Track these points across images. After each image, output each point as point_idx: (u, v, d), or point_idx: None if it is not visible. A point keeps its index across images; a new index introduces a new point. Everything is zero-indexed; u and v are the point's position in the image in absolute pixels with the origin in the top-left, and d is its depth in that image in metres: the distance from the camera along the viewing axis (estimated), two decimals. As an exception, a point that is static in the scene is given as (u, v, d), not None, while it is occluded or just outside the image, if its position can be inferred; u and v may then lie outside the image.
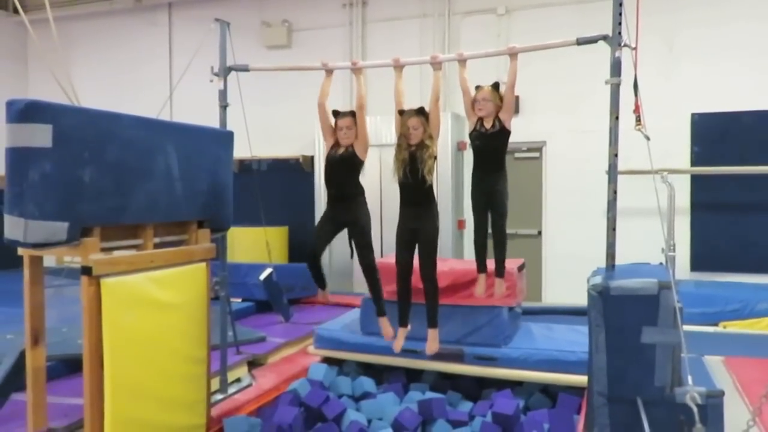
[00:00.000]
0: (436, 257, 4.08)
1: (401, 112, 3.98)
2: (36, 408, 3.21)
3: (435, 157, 3.99)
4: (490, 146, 3.95)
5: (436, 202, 4.06)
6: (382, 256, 6.83)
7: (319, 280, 4.26)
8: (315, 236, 4.17)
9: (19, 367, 3.63)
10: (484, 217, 4.12)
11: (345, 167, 4.01)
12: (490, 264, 4.31)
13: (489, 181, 4.01)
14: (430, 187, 3.96)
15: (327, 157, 4.10)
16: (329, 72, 4.25)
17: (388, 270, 4.81)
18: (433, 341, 4.15)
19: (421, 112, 3.93)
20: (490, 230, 4.13)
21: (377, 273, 4.16)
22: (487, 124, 3.93)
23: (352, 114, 4.04)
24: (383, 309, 4.21)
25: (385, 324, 4.22)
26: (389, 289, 4.80)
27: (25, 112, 2.81)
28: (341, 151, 4.01)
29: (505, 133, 3.92)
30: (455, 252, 7.71)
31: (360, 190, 4.10)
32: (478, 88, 3.99)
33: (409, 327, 4.22)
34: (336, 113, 4.07)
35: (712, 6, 7.24)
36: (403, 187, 3.99)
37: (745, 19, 7.11)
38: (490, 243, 4.18)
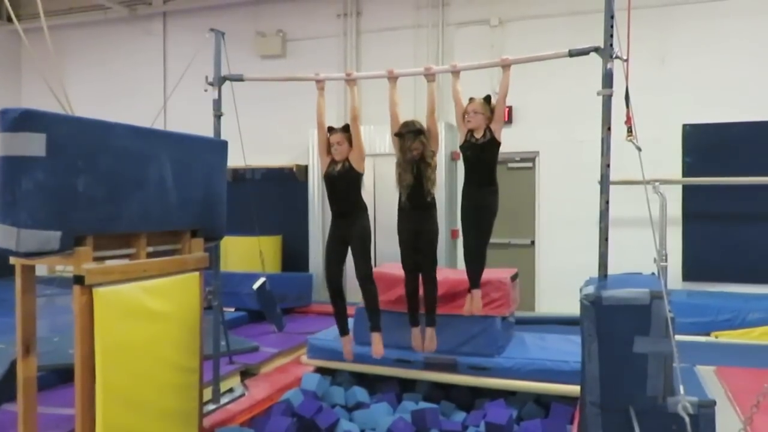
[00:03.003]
0: (437, 258, 4.11)
1: (399, 135, 3.99)
2: (27, 418, 3.18)
3: (435, 167, 4.04)
4: (481, 157, 3.97)
5: (436, 206, 4.10)
6: (376, 265, 6.83)
7: (341, 322, 4.27)
8: (326, 265, 4.19)
9: (9, 377, 3.61)
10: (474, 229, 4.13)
11: (345, 182, 4.05)
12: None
13: (479, 196, 4.01)
14: (433, 197, 4.02)
15: (326, 175, 4.14)
16: (322, 89, 4.27)
17: (383, 279, 4.82)
18: (431, 340, 4.17)
19: (419, 132, 3.95)
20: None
21: (374, 286, 4.14)
22: (478, 135, 3.96)
23: (344, 129, 4.09)
24: (378, 324, 4.15)
25: (377, 340, 4.16)
26: (384, 298, 4.80)
27: (19, 120, 2.80)
28: (338, 167, 4.06)
29: (495, 143, 3.94)
30: (449, 261, 7.72)
31: (362, 206, 4.14)
32: (471, 100, 4.02)
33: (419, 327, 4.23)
34: (329, 129, 4.11)
35: (703, 18, 7.31)
36: (406, 203, 4.03)
37: (737, 31, 7.18)
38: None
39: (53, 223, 2.89)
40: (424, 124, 4.04)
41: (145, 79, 9.65)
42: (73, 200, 2.98)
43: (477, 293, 4.22)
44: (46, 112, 2.92)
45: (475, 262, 4.13)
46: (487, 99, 4.00)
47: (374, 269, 4.53)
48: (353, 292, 4.33)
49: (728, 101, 7.13)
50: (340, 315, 4.27)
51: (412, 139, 3.93)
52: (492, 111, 3.96)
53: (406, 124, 4.00)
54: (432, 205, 4.04)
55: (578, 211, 7.18)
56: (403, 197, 4.01)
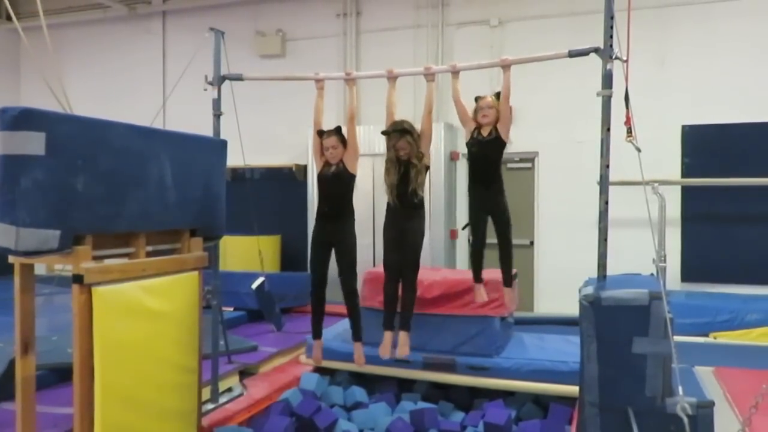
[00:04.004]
0: (419, 261, 4.09)
1: (386, 133, 4.00)
2: (25, 417, 3.17)
3: (427, 167, 4.03)
4: (487, 153, 3.98)
5: (424, 208, 4.09)
6: (374, 265, 6.84)
7: (317, 328, 4.31)
8: (313, 268, 4.20)
9: (8, 376, 3.60)
10: (482, 229, 4.14)
11: (338, 184, 4.07)
12: (486, 274, 4.34)
13: (488, 194, 4.03)
14: (421, 198, 4.01)
15: (320, 175, 4.16)
16: (321, 89, 4.28)
17: (380, 280, 4.81)
18: (403, 345, 4.11)
19: (406, 131, 3.94)
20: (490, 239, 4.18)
21: (358, 299, 4.23)
22: (485, 132, 3.97)
23: (336, 132, 4.09)
24: (360, 335, 4.27)
25: (359, 350, 4.28)
26: (381, 298, 4.80)
27: (19, 119, 2.80)
28: (333, 169, 4.08)
29: (501, 141, 3.96)
30: (448, 262, 7.72)
31: (352, 212, 4.15)
32: (478, 98, 4.03)
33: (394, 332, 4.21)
34: (321, 133, 4.11)
35: (703, 20, 7.31)
36: (392, 203, 4.04)
37: (737, 33, 7.18)
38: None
39: (52, 222, 2.89)
40: (421, 124, 4.04)
41: (144, 79, 9.64)
42: (72, 199, 2.98)
43: (509, 291, 4.35)
44: (46, 110, 2.92)
45: (504, 256, 4.20)
46: (498, 95, 4.01)
47: (372, 269, 4.53)
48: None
49: (727, 102, 7.13)
50: (318, 318, 4.30)
51: (396, 138, 3.93)
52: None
53: (395, 123, 4.00)
54: (418, 206, 4.03)
55: (577, 212, 7.18)
56: (389, 196, 4.02)
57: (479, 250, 4.23)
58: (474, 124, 4.02)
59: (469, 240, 4.25)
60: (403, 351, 4.11)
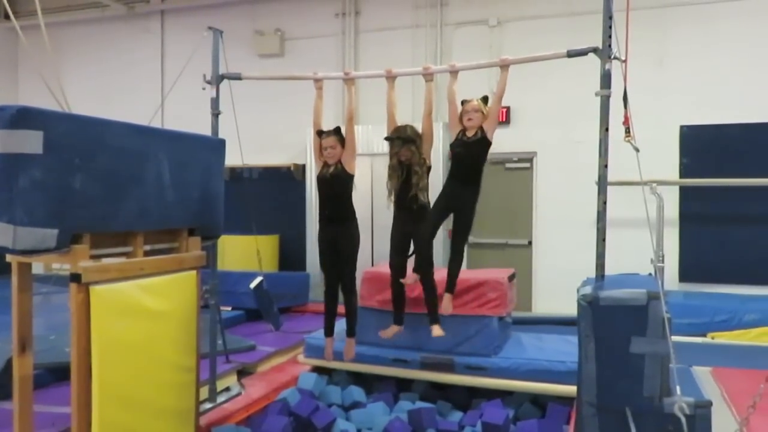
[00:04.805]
0: (431, 259, 4.12)
1: (389, 140, 4.01)
2: (23, 416, 3.17)
3: (429, 168, 4.04)
4: (470, 154, 3.99)
5: (428, 209, 4.11)
6: (373, 264, 6.85)
7: (329, 325, 4.38)
8: (322, 268, 4.26)
9: (5, 375, 3.60)
10: (437, 223, 4.14)
11: (337, 185, 4.09)
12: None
13: (461, 193, 4.03)
14: (423, 202, 4.04)
15: (319, 177, 4.17)
16: (320, 89, 4.28)
17: (379, 279, 4.83)
18: (438, 330, 4.17)
19: (410, 140, 3.95)
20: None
21: (356, 297, 4.30)
22: (470, 133, 3.99)
23: (335, 132, 4.10)
24: (354, 331, 4.37)
25: (350, 345, 4.41)
26: (380, 298, 4.82)
27: (17, 118, 2.79)
28: (331, 169, 4.10)
29: (486, 142, 3.97)
30: (446, 262, 7.70)
31: (353, 213, 4.18)
32: (465, 101, 4.03)
33: (402, 328, 4.29)
34: (320, 133, 4.11)
35: (701, 20, 7.33)
36: (396, 207, 4.05)
37: (735, 33, 7.20)
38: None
39: (50, 221, 2.88)
40: (421, 124, 4.05)
41: (142, 77, 9.64)
42: (70, 198, 2.97)
43: (449, 297, 4.21)
44: (44, 109, 2.91)
45: (453, 261, 4.19)
46: (485, 99, 4.02)
47: (370, 269, 4.53)
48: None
49: (725, 103, 7.15)
50: (331, 316, 4.35)
51: (399, 146, 3.96)
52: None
53: (398, 129, 4.02)
54: (421, 209, 4.05)
55: (575, 212, 7.19)
56: (393, 200, 4.05)
57: (427, 240, 4.17)
58: (460, 126, 4.03)
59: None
60: (437, 333, 4.17)
